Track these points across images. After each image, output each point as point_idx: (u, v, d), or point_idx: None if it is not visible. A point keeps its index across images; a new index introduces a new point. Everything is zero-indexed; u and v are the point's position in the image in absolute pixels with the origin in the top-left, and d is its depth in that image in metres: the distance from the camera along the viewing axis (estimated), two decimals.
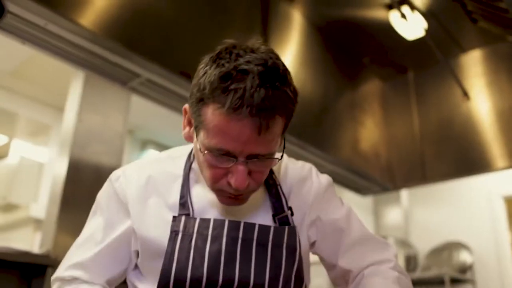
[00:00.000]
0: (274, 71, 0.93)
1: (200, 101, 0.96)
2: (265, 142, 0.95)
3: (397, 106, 4.63)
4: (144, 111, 3.97)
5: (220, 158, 0.97)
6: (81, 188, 2.80)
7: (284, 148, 1.03)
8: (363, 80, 4.53)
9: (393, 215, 5.41)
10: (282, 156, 1.01)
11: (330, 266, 1.22)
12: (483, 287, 4.90)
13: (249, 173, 0.99)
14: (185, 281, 1.02)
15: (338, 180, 4.22)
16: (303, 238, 1.15)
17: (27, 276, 2.43)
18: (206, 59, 0.99)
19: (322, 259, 1.24)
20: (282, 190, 1.15)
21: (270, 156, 0.99)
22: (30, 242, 5.02)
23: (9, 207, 5.48)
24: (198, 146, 1.00)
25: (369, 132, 4.35)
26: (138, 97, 3.02)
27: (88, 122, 2.95)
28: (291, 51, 3.64)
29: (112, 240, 1.12)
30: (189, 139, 1.07)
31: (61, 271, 1.14)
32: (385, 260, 1.17)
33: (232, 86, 0.90)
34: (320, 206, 1.19)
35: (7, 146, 5.84)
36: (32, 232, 5.22)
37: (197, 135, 1.01)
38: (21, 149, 5.64)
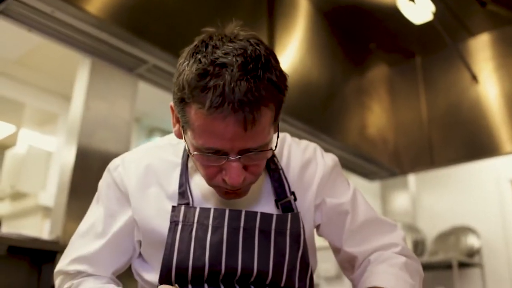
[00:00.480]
0: (255, 59, 0.88)
1: (182, 101, 0.92)
2: (254, 135, 0.90)
3: (405, 91, 4.60)
4: (151, 98, 3.97)
5: (210, 157, 0.93)
6: (89, 175, 2.82)
7: (278, 137, 0.99)
8: (370, 66, 4.50)
9: (400, 200, 5.39)
10: (276, 147, 0.97)
11: (336, 250, 1.20)
12: (491, 271, 4.90)
13: (244, 167, 0.95)
14: (187, 271, 1.01)
15: (346, 165, 4.21)
16: (308, 222, 1.13)
17: (37, 262, 2.45)
18: (184, 53, 0.95)
19: (329, 243, 1.22)
20: (284, 174, 1.12)
21: (263, 148, 0.94)
22: (39, 229, 5.07)
23: (18, 196, 5.54)
24: (187, 146, 0.98)
25: (377, 117, 4.33)
26: (145, 84, 3.02)
27: (95, 109, 2.95)
28: (297, 37, 3.61)
29: (115, 232, 1.11)
30: (180, 136, 1.03)
31: (64, 265, 1.13)
32: (391, 244, 1.14)
33: (211, 83, 0.86)
34: (325, 189, 1.16)
35: (15, 135, 5.89)
36: (40, 220, 5.27)
37: (185, 134, 0.98)
38: (29, 138, 5.68)
